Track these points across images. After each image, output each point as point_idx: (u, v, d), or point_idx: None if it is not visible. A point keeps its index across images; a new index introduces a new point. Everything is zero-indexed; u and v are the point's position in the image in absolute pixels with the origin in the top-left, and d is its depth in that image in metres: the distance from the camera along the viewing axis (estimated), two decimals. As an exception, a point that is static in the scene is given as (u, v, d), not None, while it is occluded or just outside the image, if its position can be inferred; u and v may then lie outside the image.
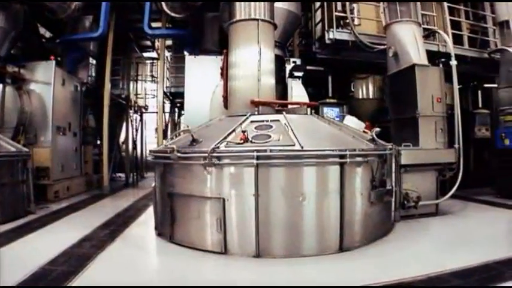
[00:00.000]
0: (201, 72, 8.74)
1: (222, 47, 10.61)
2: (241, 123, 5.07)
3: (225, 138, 4.65)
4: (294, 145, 4.44)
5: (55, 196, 8.49)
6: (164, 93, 11.99)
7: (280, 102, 6.22)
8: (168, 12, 8.69)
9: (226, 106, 7.03)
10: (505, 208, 7.01)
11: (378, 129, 5.50)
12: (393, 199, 5.59)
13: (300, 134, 4.66)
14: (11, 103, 8.06)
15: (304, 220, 4.38)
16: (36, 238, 5.22)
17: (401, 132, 7.13)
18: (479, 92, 10.02)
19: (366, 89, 10.38)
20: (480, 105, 10.03)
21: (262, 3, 5.94)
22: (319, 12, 8.89)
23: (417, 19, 7.03)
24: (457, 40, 8.94)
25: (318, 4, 8.83)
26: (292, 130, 4.74)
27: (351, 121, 6.42)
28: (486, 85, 9.96)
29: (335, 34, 7.82)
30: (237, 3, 6.00)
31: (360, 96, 10.69)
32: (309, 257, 4.28)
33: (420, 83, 6.65)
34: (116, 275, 3.82)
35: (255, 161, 4.20)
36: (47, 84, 8.61)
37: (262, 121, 5.14)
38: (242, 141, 4.50)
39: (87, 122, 10.86)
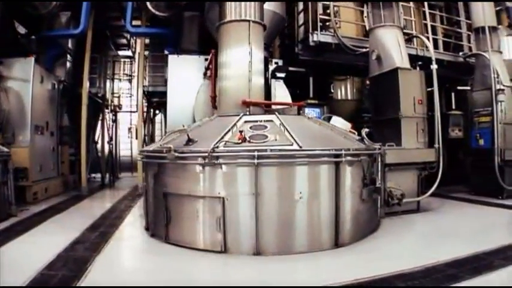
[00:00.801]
0: (184, 72, 8.75)
1: (201, 46, 10.72)
2: (235, 123, 5.13)
3: (222, 138, 4.70)
4: (291, 145, 4.56)
5: (34, 198, 8.19)
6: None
7: (271, 102, 6.35)
8: (153, 10, 8.61)
9: (214, 106, 7.09)
10: (481, 204, 7.46)
11: (367, 129, 5.73)
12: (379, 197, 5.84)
13: (296, 134, 4.77)
14: (-13, 101, 7.75)
15: (302, 218, 4.50)
16: (25, 242, 5.04)
17: (383, 132, 7.41)
18: (453, 94, 10.54)
19: (344, 91, 10.69)
20: (454, 107, 10.56)
21: (252, 4, 6.02)
22: (302, 15, 9.07)
23: (400, 24, 7.33)
24: (433, 44, 9.39)
25: (301, 7, 8.99)
26: (287, 130, 4.85)
27: (337, 122, 6.61)
28: (459, 87, 10.49)
29: (319, 37, 8.00)
30: (228, 4, 6.05)
31: (339, 97, 11.01)
32: (307, 253, 4.41)
33: (403, 86, 6.95)
34: (120, 277, 3.80)
35: (256, 161, 4.28)
36: (25, 82, 8.28)
37: (256, 121, 5.21)
38: (240, 141, 4.57)
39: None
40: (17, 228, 5.72)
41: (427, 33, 8.60)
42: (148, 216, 5.55)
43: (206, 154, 4.38)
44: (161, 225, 4.98)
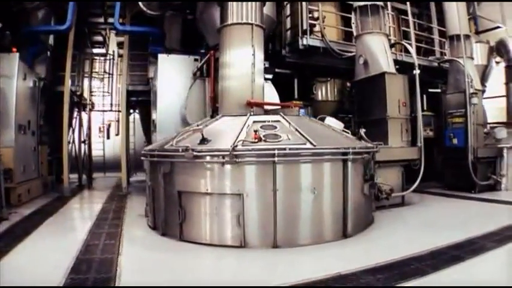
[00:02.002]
0: (173, 71, 8.82)
1: (183, 46, 10.83)
2: (245, 123, 5.37)
3: (238, 137, 4.93)
4: (305, 144, 4.89)
5: (18, 200, 7.95)
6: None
7: (274, 103, 6.62)
8: (144, 9, 8.61)
9: (214, 106, 7.28)
10: (457, 198, 8.20)
11: (364, 130, 6.18)
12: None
13: (306, 133, 5.12)
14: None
15: (317, 211, 4.88)
16: (32, 246, 4.92)
17: (369, 132, 7.93)
18: (424, 96, 11.35)
19: (325, 92, 11.19)
20: (425, 108, 11.38)
21: (254, 9, 6.29)
22: (289, 19, 9.43)
23: (385, 31, 7.90)
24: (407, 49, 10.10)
25: (288, 12, 9.35)
26: (298, 130, 5.18)
27: (331, 122, 7.02)
28: (430, 90, 11.32)
29: (308, 41, 8.41)
30: (230, 8, 6.28)
31: (320, 98, 11.50)
32: (321, 244, 4.78)
33: (389, 89, 7.50)
34: (157, 277, 3.83)
35: (276, 159, 4.57)
36: (9, 78, 8.05)
37: (264, 121, 5.49)
38: (256, 140, 4.84)
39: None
40: (16, 233, 5.55)
41: (405, 39, 9.27)
42: (156, 215, 5.62)
43: (227, 153, 4.60)
44: (174, 224, 5.11)
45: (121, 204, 8.36)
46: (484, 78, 10.51)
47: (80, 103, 11.83)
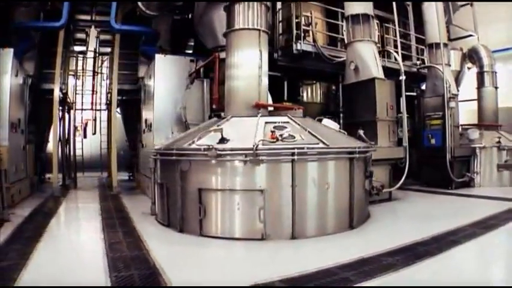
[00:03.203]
0: (169, 71, 9.09)
1: (173, 46, 11.11)
2: (258, 124, 5.81)
3: (256, 137, 5.37)
4: (318, 144, 5.42)
5: (12, 200, 7.92)
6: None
7: (279, 105, 7.09)
8: (143, 9, 8.83)
9: (218, 106, 7.65)
10: (437, 194, 9.10)
11: (362, 131, 6.82)
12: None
13: (316, 134, 5.66)
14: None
15: (329, 204, 5.43)
16: (55, 247, 5.03)
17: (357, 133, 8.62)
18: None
19: (311, 94, 11.82)
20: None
21: (260, 15, 6.74)
22: (281, 24, 9.94)
23: (375, 39, 8.61)
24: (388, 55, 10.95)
25: (280, 17, 9.87)
26: (309, 131, 5.71)
27: (329, 123, 7.61)
28: (406, 93, 12.22)
29: (302, 46, 8.98)
30: (237, 14, 6.69)
31: (306, 100, 12.10)
32: (332, 234, 5.34)
33: (378, 93, 8.22)
34: (198, 270, 4.11)
35: (296, 157, 5.07)
36: (3, 75, 8.05)
37: (275, 122, 5.95)
38: (275, 140, 5.31)
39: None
40: (26, 234, 5.54)
41: (387, 45, 10.06)
42: (171, 213, 5.89)
43: (251, 152, 5.04)
44: (193, 221, 5.43)
45: (118, 204, 8.52)
46: (457, 83, 11.54)
47: (65, 101, 11.76)
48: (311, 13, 9.34)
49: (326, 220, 5.44)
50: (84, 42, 13.30)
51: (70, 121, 13.32)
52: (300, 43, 8.97)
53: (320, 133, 5.85)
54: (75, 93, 12.99)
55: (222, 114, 7.83)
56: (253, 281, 3.57)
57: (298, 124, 5.93)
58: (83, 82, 14.86)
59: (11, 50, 8.21)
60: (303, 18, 9.35)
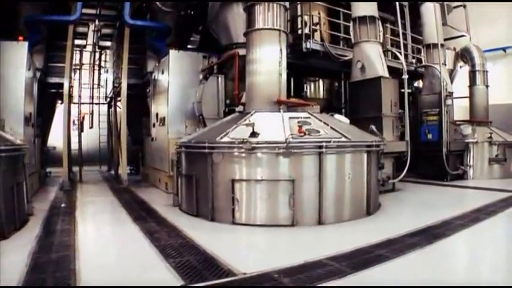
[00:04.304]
0: (182, 66, 9.55)
1: (177, 42, 11.54)
2: (283, 119, 6.39)
3: (284, 131, 5.97)
4: (340, 137, 6.07)
5: (26, 194, 8.24)
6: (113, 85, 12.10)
7: (299, 102, 7.66)
8: (160, 6, 9.27)
9: (238, 101, 8.17)
10: (434, 185, 9.97)
11: (373, 126, 7.52)
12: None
13: (338, 129, 6.30)
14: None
15: (349, 193, 6.10)
16: (106, 240, 5.43)
17: (362, 128, 9.32)
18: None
19: (315, 90, 12.49)
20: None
21: (279, 16, 7.30)
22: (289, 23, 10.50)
23: (380, 40, 9.32)
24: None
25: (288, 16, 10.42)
26: (330, 126, 6.34)
27: (340, 118, 8.25)
28: (402, 90, 13.05)
29: (311, 45, 9.59)
30: (257, 15, 7.22)
31: (309, 96, 12.76)
32: (352, 220, 6.01)
33: (384, 91, 8.93)
34: (259, 256, 4.51)
35: (324, 150, 5.70)
36: (18, 68, 8.29)
37: (298, 117, 6.55)
38: (303, 134, 5.92)
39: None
40: (58, 228, 5.77)
41: (386, 45, 10.80)
42: (201, 203, 6.35)
43: (284, 145, 5.63)
44: (225, 210, 5.95)
45: (133, 196, 8.91)
46: (450, 81, 12.44)
47: (70, 95, 11.99)
48: (319, 13, 9.94)
49: (347, 207, 6.12)
50: (83, 35, 13.53)
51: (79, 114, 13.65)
52: (310, 42, 9.56)
53: (339, 127, 6.50)
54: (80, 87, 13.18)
55: (236, 109, 8.46)
56: (303, 259, 4.14)
57: (319, 119, 6.56)
58: (80, 76, 15.08)
59: (26, 43, 8.44)
60: (312, 17, 9.93)
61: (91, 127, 16.06)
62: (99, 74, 15.21)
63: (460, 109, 12.85)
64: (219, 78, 9.09)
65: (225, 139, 6.09)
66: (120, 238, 5.47)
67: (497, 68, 13.81)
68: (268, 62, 7.05)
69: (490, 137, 10.86)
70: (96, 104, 15.03)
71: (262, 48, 7.08)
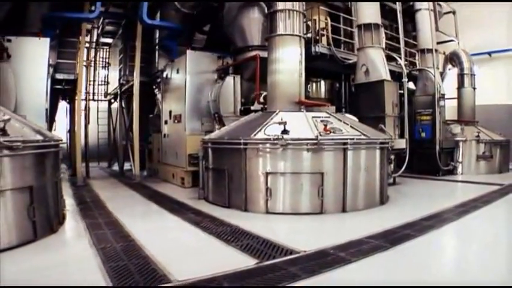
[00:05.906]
0: (198, 66, 10.35)
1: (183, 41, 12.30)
2: (307, 118, 7.35)
3: (311, 129, 6.94)
4: (360, 135, 7.11)
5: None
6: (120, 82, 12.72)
7: (318, 103, 8.66)
8: (179, 6, 10.05)
9: (259, 101, 9.07)
10: (428, 180, 11.25)
11: (382, 125, 8.62)
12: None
13: (356, 127, 7.34)
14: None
15: (365, 185, 7.14)
16: (146, 227, 5.89)
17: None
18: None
19: (316, 90, 13.54)
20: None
21: (300, 21, 8.23)
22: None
23: (383, 45, 10.46)
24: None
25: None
26: (350, 125, 7.37)
27: (351, 117, 9.29)
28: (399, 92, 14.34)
29: (320, 48, 10.60)
30: (279, 22, 8.15)
31: (311, 96, 13.77)
32: (368, 209, 7.04)
33: (386, 93, 10.08)
34: (311, 238, 5.26)
35: (348, 146, 6.72)
36: (40, 65, 8.82)
37: (319, 117, 7.54)
38: (328, 132, 6.92)
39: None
40: (99, 221, 6.05)
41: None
42: (233, 195, 7.21)
43: (315, 141, 6.61)
44: (257, 201, 6.87)
45: (153, 191, 9.55)
46: (440, 83, 13.83)
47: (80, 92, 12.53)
48: (326, 18, 10.97)
49: (365, 197, 7.17)
50: (88, 32, 14.03)
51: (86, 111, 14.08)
52: (318, 46, 10.57)
53: (357, 126, 7.55)
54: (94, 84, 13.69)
55: (252, 107, 9.39)
56: (347, 239, 5.09)
57: (339, 119, 7.59)
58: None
59: (47, 40, 8.92)
60: (320, 23, 10.91)
61: (88, 123, 16.46)
62: (95, 70, 15.64)
63: (448, 109, 14.22)
64: (236, 78, 9.94)
65: (259, 135, 7.00)
66: (170, 227, 6.03)
67: (483, 71, 15.38)
68: (290, 62, 8.00)
69: (478, 136, 12.27)
70: (95, 100, 15.48)
71: (283, 48, 8.01)
